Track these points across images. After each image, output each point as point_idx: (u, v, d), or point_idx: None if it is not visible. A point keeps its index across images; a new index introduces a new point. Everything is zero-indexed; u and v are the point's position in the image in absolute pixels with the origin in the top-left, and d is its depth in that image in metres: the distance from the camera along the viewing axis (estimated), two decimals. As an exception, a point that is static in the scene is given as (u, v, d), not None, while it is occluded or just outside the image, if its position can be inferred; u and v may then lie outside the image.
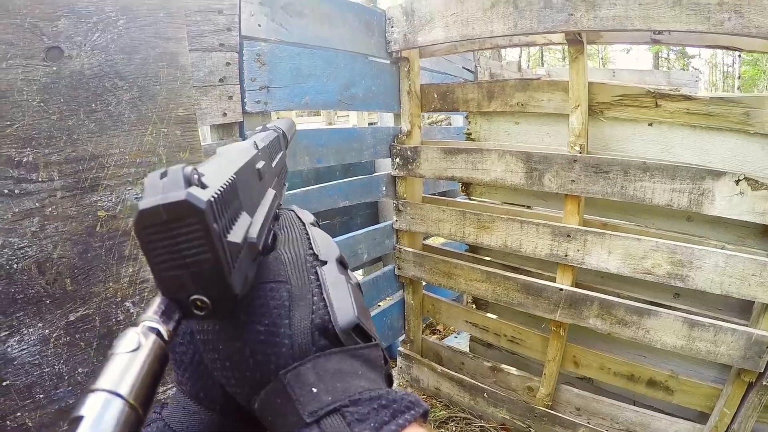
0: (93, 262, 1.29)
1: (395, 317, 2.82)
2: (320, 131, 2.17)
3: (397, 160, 2.43)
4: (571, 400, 2.30)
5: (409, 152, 2.38)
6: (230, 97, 1.71)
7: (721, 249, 1.75)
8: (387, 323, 2.76)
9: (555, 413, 2.34)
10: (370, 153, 2.37)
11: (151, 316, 0.29)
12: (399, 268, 2.64)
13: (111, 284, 1.34)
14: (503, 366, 2.58)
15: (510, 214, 2.19)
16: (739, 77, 22.70)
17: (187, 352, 0.47)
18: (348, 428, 0.33)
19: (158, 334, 0.28)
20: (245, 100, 1.75)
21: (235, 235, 0.32)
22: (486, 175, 2.15)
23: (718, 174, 1.66)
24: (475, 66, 3.96)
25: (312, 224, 0.54)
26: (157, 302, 0.30)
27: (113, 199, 1.34)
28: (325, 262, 0.46)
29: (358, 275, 2.87)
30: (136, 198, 1.39)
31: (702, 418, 2.05)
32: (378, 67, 2.36)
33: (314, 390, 0.36)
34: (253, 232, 0.36)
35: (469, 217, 2.25)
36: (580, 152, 1.93)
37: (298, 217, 0.55)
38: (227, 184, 0.33)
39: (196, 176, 0.30)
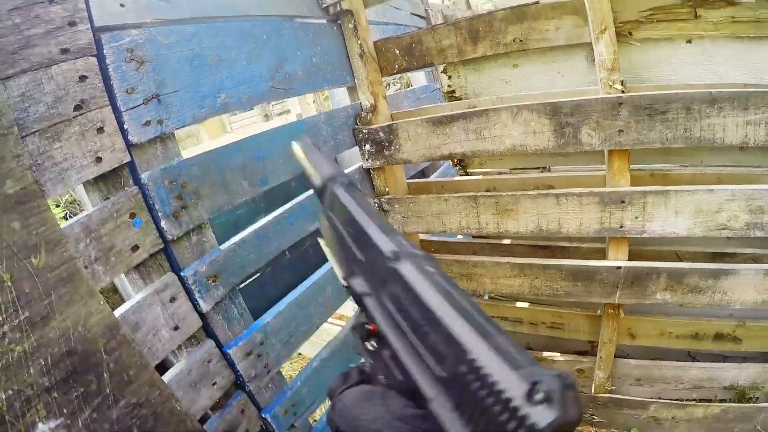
0: None
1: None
2: (256, 138, 1.50)
3: (367, 146, 1.83)
4: (630, 372, 2.05)
5: (381, 134, 1.78)
6: (100, 130, 1.07)
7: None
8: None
9: (620, 396, 2.11)
10: (331, 147, 1.75)
11: None
12: (403, 281, 2.09)
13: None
14: (545, 354, 2.26)
15: (535, 186, 1.66)
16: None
17: None
18: None
19: None
20: (126, 126, 1.11)
21: None
22: (499, 144, 1.60)
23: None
24: (426, 10, 3.29)
25: None
26: None
27: None
28: None
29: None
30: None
31: (766, 356, 1.92)
32: (314, 30, 1.71)
33: None
34: None
35: (484, 201, 1.72)
36: (623, 90, 1.41)
37: None
38: None
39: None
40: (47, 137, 0.96)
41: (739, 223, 1.47)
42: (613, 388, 2.10)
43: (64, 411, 0.85)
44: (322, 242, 0.76)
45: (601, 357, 2.01)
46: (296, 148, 0.83)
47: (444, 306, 0.42)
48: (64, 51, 1.01)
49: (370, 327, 0.55)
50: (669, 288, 1.64)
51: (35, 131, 0.94)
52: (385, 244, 0.54)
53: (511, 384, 0.33)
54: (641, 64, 1.62)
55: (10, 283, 0.80)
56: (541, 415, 0.30)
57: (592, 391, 2.10)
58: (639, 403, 1.99)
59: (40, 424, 0.82)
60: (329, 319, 2.88)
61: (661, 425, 1.98)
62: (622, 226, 1.58)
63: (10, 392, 0.79)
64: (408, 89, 3.14)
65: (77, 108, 1.02)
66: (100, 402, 0.89)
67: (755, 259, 1.84)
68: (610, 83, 1.46)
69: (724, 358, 1.99)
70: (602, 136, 1.48)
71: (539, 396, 0.30)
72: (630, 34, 1.54)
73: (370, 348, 0.55)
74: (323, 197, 0.73)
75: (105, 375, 0.91)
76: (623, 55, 1.57)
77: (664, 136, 1.45)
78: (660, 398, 1.99)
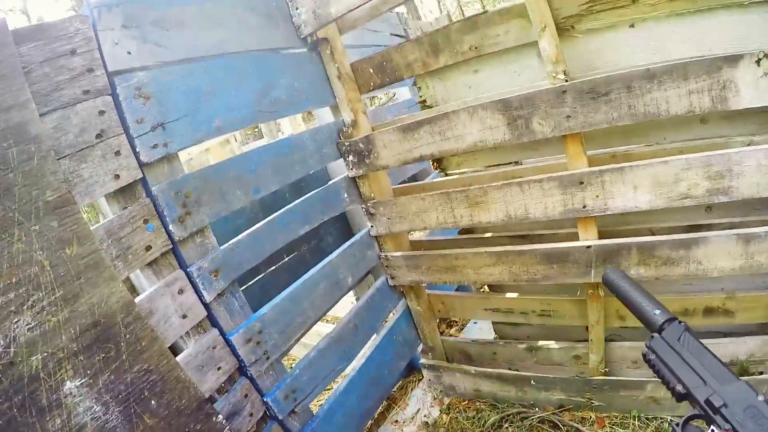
0: (8, 428, 0.96)
1: (406, 330, 2.47)
2: (247, 155, 1.77)
3: (351, 157, 2.04)
4: (625, 355, 2.07)
5: (361, 144, 1.99)
6: (117, 153, 1.32)
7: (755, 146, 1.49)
8: (399, 340, 2.40)
9: (615, 378, 2.11)
10: (316, 160, 1.97)
11: None
12: (392, 278, 2.27)
13: (41, 445, 0.99)
14: (540, 343, 2.31)
15: (503, 178, 1.82)
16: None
17: None
18: None
19: None
20: (138, 149, 1.36)
21: None
22: (461, 143, 1.77)
23: (734, 59, 1.37)
24: (405, 30, 3.51)
25: None
26: None
27: (1, 341, 0.98)
28: None
29: (351, 302, 2.48)
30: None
31: (764, 328, 1.91)
32: (296, 59, 1.96)
33: None
34: None
35: (456, 197, 1.88)
36: (567, 80, 1.58)
37: None
38: None
39: None
40: (76, 159, 1.21)
41: (699, 191, 1.52)
42: (607, 370, 2.12)
43: (88, 372, 1.06)
44: None
45: (592, 340, 2.06)
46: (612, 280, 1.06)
47: None
48: (86, 92, 1.26)
49: None
50: (642, 262, 1.69)
51: (67, 155, 1.19)
52: None
53: None
54: (591, 53, 1.68)
55: (49, 268, 1.03)
56: None
57: (588, 375, 2.13)
58: (635, 384, 2.01)
59: (68, 382, 1.04)
60: (321, 322, 3.04)
61: (661, 405, 1.98)
62: (584, 206, 1.68)
63: (45, 354, 1.01)
64: (392, 103, 3.35)
65: (98, 136, 1.27)
66: (117, 366, 1.10)
67: (733, 228, 1.87)
68: (555, 74, 1.58)
69: (724, 335, 1.97)
70: (552, 124, 1.61)
71: None
72: (573, 27, 1.63)
73: None
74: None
75: (122, 344, 1.12)
76: (573, 48, 1.67)
77: (610, 116, 1.53)
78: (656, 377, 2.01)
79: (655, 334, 0.83)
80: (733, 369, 1.92)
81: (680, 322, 0.81)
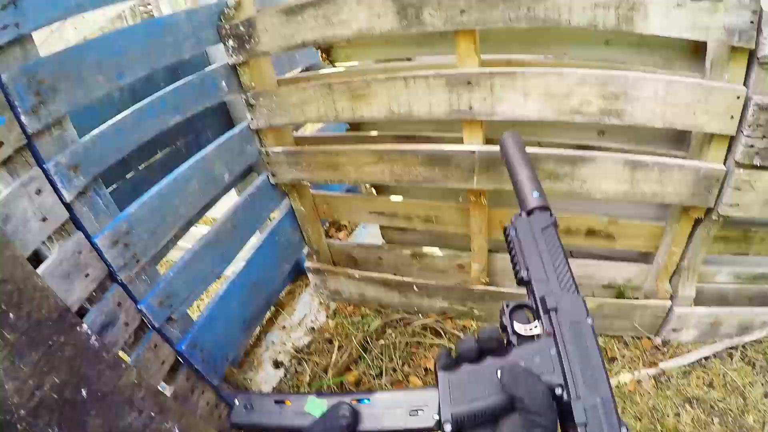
0: None
1: (289, 230, 2.38)
2: (111, 35, 1.49)
3: (231, 42, 1.80)
4: (508, 266, 2.06)
5: (241, 28, 1.75)
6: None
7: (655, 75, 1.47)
8: (282, 242, 2.32)
9: (496, 289, 2.19)
10: (191, 44, 1.71)
11: None
12: (273, 175, 2.13)
13: None
14: (425, 249, 2.35)
15: (387, 72, 1.68)
16: None
17: None
18: None
19: None
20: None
21: None
22: (346, 29, 1.60)
23: (651, -21, 1.30)
24: None
25: None
26: None
27: None
28: None
29: (229, 198, 2.32)
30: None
31: (645, 257, 2.00)
32: None
33: None
34: None
35: (338, 88, 1.74)
36: (461, -30, 1.43)
37: None
38: None
39: None
40: None
41: (592, 108, 1.50)
42: (488, 280, 2.18)
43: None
44: None
45: (474, 249, 2.09)
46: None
47: None
48: None
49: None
50: None
51: None
52: None
53: None
54: None
55: None
56: None
57: (470, 284, 2.19)
58: (515, 296, 2.04)
59: None
60: (201, 224, 2.90)
61: (539, 318, 2.10)
62: (471, 108, 1.60)
63: None
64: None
65: None
66: (-36, 278, 0.91)
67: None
68: None
69: (606, 259, 2.06)
70: (444, 16, 1.48)
71: None
72: None
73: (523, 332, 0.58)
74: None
75: (-32, 253, 0.92)
76: None
77: (507, 15, 1.44)
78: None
79: (524, 214, 0.81)
80: (611, 291, 2.06)
81: (552, 215, 0.80)
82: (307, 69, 2.57)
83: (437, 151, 1.76)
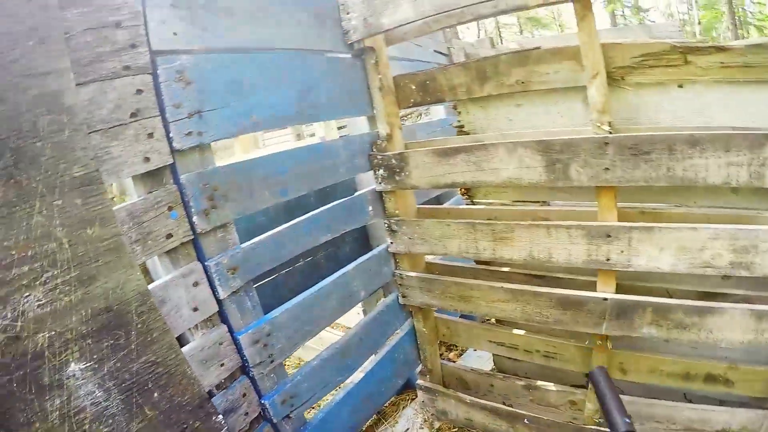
0: (5, 403, 0.93)
1: (408, 349, 2.43)
2: (279, 155, 1.75)
3: (381, 171, 2.01)
4: None
5: (393, 160, 1.96)
6: (150, 135, 1.29)
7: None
8: (400, 359, 2.37)
9: (607, 431, 2.01)
10: (346, 169, 1.94)
11: None
12: (403, 296, 2.23)
13: (38, 424, 0.98)
14: (539, 383, 2.27)
15: (532, 218, 1.79)
16: (698, 23, 22.54)
17: None
18: None
19: None
20: (171, 135, 1.33)
21: None
22: (496, 176, 1.74)
23: (778, 138, 1.34)
24: (449, 48, 3.49)
25: None
26: None
27: (9, 314, 0.95)
28: None
29: (357, 312, 2.44)
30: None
31: (759, 402, 1.85)
32: (340, 63, 1.93)
33: None
34: None
35: (482, 228, 1.85)
36: (611, 132, 1.54)
37: None
38: None
39: None
40: (108, 136, 1.18)
41: (722, 262, 1.49)
42: (601, 421, 2.05)
43: (95, 357, 1.03)
44: None
45: (590, 388, 1.99)
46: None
47: None
48: (126, 68, 1.23)
49: None
50: (655, 323, 1.66)
51: (98, 130, 1.16)
52: None
53: None
54: (636, 107, 1.66)
55: (68, 246, 1.00)
56: None
57: (582, 423, 2.09)
58: None
59: (72, 364, 1.01)
60: (328, 328, 3.01)
61: (646, 466, 1.93)
62: (608, 259, 1.65)
63: (53, 333, 0.98)
64: (424, 122, 3.31)
65: (133, 115, 1.24)
66: (124, 354, 1.07)
67: (747, 300, 1.87)
68: (599, 124, 1.56)
69: (720, 402, 1.94)
70: (590, 173, 1.58)
71: None
72: (623, 78, 1.60)
73: None
74: None
75: (133, 333, 1.09)
76: (619, 99, 1.65)
77: (648, 174, 1.51)
78: (650, 436, 1.95)
79: None
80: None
81: None
82: (437, 198, 2.74)
83: (571, 295, 1.78)
